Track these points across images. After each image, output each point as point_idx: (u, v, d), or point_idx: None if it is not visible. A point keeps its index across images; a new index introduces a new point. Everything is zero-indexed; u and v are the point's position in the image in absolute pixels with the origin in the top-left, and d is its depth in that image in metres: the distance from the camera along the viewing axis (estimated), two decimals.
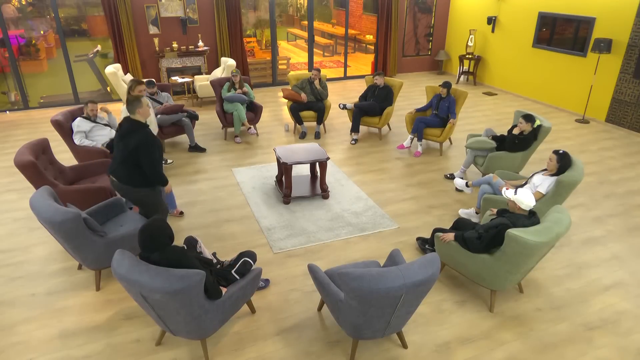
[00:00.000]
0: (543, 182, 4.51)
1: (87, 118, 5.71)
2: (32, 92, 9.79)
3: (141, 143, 3.76)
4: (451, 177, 6.16)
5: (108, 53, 10.37)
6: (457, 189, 5.82)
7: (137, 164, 3.87)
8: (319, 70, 7.53)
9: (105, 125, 5.89)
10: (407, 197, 5.72)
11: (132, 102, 3.81)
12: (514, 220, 3.59)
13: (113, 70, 8.54)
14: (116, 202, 4.45)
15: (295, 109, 7.52)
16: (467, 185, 5.44)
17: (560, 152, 4.47)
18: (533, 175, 4.72)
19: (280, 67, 11.44)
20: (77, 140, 5.59)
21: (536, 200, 4.49)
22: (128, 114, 3.96)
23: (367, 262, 3.67)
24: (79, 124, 5.62)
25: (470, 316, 3.78)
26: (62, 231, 3.56)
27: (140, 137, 3.77)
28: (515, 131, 5.54)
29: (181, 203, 5.53)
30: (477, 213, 5.12)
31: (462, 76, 11.52)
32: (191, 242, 3.68)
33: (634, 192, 5.90)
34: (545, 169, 4.63)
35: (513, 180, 5.04)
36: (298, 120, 7.53)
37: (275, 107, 9.43)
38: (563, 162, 4.44)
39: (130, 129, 3.83)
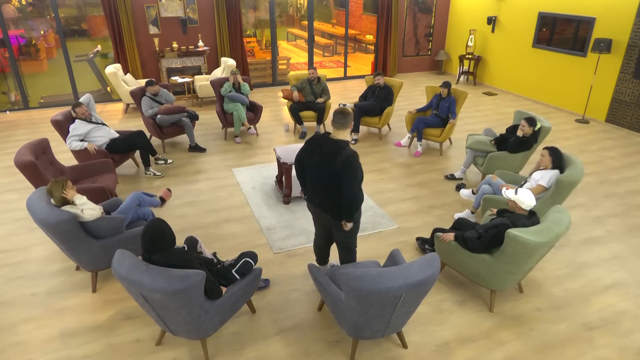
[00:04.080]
0: (544, 176, 4.54)
1: (84, 120, 5.68)
2: (32, 92, 9.79)
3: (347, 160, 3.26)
4: (452, 177, 6.16)
5: (108, 53, 10.37)
6: (456, 188, 5.84)
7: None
8: (315, 69, 7.55)
9: (103, 124, 5.88)
10: (407, 197, 5.72)
11: (344, 114, 3.29)
12: (514, 220, 3.59)
13: (113, 70, 8.54)
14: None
15: (295, 109, 7.51)
16: (473, 193, 5.41)
17: (550, 147, 4.61)
18: (532, 173, 4.74)
19: (280, 67, 11.44)
20: (68, 142, 5.53)
21: (539, 194, 4.51)
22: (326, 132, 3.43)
23: (367, 262, 3.67)
24: (76, 126, 5.58)
25: (470, 316, 3.78)
26: (57, 233, 3.55)
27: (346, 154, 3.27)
28: (519, 133, 5.53)
29: (181, 203, 5.53)
30: (472, 213, 5.12)
31: (462, 76, 11.52)
32: (192, 242, 3.68)
33: (634, 192, 5.89)
34: (543, 168, 4.66)
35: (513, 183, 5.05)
36: (298, 120, 7.53)
37: (275, 107, 9.43)
38: (556, 155, 4.56)
39: (334, 148, 3.30)
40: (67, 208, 3.66)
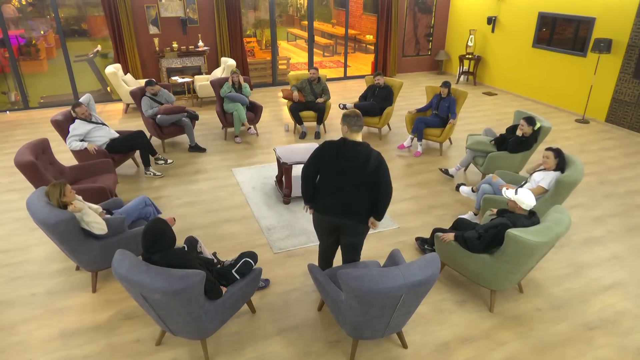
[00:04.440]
0: (545, 177, 4.53)
1: (84, 120, 5.68)
2: (32, 92, 9.79)
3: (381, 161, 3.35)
4: (445, 172, 6.17)
5: (108, 53, 10.37)
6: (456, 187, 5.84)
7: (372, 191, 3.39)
8: (317, 69, 7.55)
9: (103, 124, 5.87)
10: (407, 197, 5.72)
11: (359, 116, 3.30)
12: (514, 220, 3.59)
13: (113, 70, 8.55)
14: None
15: (295, 109, 7.51)
16: (472, 190, 5.41)
17: (554, 148, 4.54)
18: (532, 173, 4.73)
19: (280, 67, 11.44)
20: (68, 142, 5.53)
21: (539, 195, 4.50)
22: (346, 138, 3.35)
23: (367, 262, 3.67)
24: (76, 126, 5.57)
25: (470, 316, 3.78)
26: (57, 233, 3.54)
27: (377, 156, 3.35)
28: (518, 133, 5.53)
29: (181, 203, 5.53)
30: (475, 214, 5.11)
31: (462, 76, 11.52)
32: (191, 242, 3.68)
33: (634, 192, 5.89)
34: (543, 168, 4.65)
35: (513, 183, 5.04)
36: (298, 120, 7.53)
37: (275, 107, 9.43)
38: (561, 157, 4.52)
39: (365, 151, 3.34)
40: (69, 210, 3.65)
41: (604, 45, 7.85)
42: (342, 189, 3.38)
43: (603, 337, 3.58)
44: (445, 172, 6.18)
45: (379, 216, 3.46)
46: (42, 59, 11.01)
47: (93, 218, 3.68)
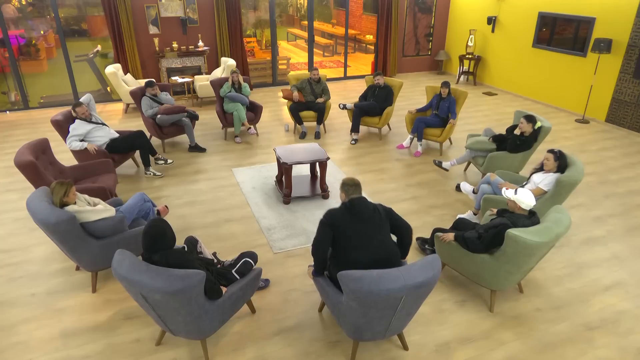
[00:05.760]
0: (544, 179, 4.52)
1: (84, 119, 5.67)
2: (32, 92, 9.79)
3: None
4: (439, 164, 6.19)
5: (108, 53, 10.37)
6: (457, 188, 5.84)
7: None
8: (317, 70, 7.57)
9: (103, 124, 5.87)
10: (407, 197, 5.72)
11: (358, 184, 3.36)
12: (514, 220, 3.59)
13: (113, 70, 8.55)
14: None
15: (295, 109, 7.51)
16: (473, 192, 5.40)
17: (556, 150, 4.51)
18: (532, 174, 4.73)
19: (280, 67, 11.44)
20: (68, 142, 5.54)
21: (538, 196, 4.49)
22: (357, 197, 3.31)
23: None
24: (76, 126, 5.57)
25: (470, 316, 3.78)
26: (57, 232, 3.54)
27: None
28: (517, 132, 5.53)
29: (181, 203, 5.53)
30: (475, 214, 5.10)
31: (462, 76, 11.52)
32: (191, 242, 3.68)
33: (634, 192, 5.89)
34: (543, 169, 4.64)
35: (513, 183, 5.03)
36: (298, 120, 7.53)
37: (275, 107, 9.43)
38: (562, 160, 4.49)
39: (370, 203, 3.34)
40: (68, 208, 3.66)
41: (604, 45, 7.85)
42: (372, 239, 3.25)
43: (603, 337, 3.58)
44: (439, 164, 6.19)
45: (406, 254, 3.49)
46: (42, 59, 11.01)
47: (102, 204, 3.89)
